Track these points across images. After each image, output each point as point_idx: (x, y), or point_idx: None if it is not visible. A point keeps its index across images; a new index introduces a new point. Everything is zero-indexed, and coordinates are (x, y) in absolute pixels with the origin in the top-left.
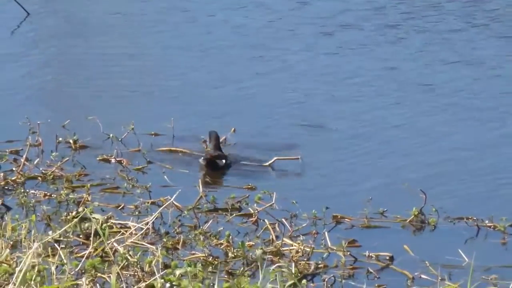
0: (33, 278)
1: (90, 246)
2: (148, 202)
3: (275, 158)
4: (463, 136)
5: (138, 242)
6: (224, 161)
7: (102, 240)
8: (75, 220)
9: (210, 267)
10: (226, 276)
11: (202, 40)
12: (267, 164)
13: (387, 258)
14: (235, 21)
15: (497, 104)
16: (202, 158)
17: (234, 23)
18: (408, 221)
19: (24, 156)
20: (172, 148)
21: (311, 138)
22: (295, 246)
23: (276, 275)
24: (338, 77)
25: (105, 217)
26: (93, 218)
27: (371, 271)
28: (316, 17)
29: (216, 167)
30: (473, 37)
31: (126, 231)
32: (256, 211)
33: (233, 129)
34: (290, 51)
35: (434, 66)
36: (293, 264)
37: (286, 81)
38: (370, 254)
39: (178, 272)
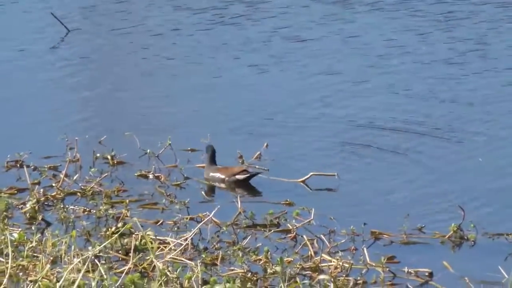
0: None
1: (130, 262)
2: (186, 218)
3: (311, 173)
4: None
5: (177, 258)
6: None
7: (141, 256)
8: (115, 236)
9: (249, 283)
10: None
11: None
12: (303, 179)
13: (426, 274)
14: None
15: None
16: (240, 173)
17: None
18: (447, 237)
19: (64, 172)
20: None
21: (346, 154)
22: (333, 262)
23: None
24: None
25: (153, 233)
26: (145, 234)
27: (411, 287)
28: None
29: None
30: None
31: (165, 247)
32: (295, 227)
33: (266, 144)
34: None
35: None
36: (332, 280)
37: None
38: (409, 270)
39: None
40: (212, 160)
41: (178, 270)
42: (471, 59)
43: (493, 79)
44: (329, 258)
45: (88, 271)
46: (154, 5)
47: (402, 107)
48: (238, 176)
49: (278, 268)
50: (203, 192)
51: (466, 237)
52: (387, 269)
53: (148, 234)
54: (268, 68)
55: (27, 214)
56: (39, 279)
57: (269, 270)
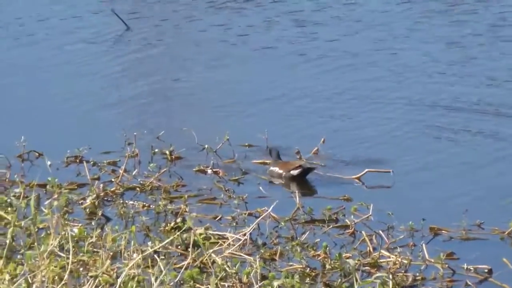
0: None
1: (189, 257)
2: (245, 213)
3: (366, 170)
4: None
5: (235, 253)
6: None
7: (201, 251)
8: (176, 234)
9: (308, 279)
10: None
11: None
12: (358, 176)
13: (486, 271)
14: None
15: None
16: (295, 168)
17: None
18: (506, 233)
19: (123, 167)
20: (267, 161)
21: (401, 152)
22: (392, 258)
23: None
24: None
25: (207, 229)
26: (198, 233)
27: (470, 283)
28: None
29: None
30: None
31: (224, 242)
32: (353, 223)
33: (323, 139)
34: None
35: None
36: (390, 276)
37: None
38: (469, 267)
39: (276, 283)
40: (278, 158)
41: (237, 265)
42: None
43: None
44: (388, 254)
45: (147, 267)
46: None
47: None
48: (292, 171)
49: (351, 262)
50: (261, 188)
51: None
52: (446, 265)
53: (200, 233)
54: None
55: (87, 210)
56: (100, 274)
57: (327, 266)
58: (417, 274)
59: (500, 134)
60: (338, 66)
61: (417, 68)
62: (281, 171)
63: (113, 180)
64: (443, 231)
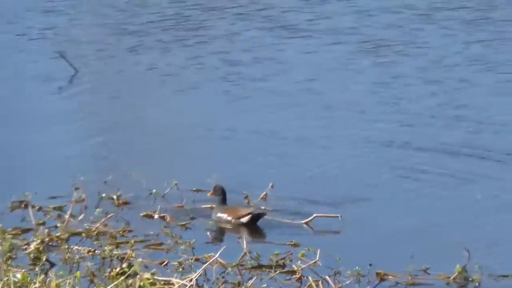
0: None
1: None
2: (191, 259)
3: (314, 215)
4: (506, 193)
5: None
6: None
7: None
8: (121, 279)
9: None
10: None
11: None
12: (307, 221)
13: None
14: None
15: None
16: (244, 215)
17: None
18: (451, 278)
19: (69, 212)
20: (214, 206)
21: (349, 195)
22: None
23: None
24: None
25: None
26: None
27: None
28: None
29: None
30: None
31: None
32: (300, 268)
33: (271, 184)
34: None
35: None
36: None
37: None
38: None
39: None
40: (223, 201)
41: None
42: None
43: None
44: None
45: None
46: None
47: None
48: (242, 219)
49: None
50: (208, 233)
51: (471, 279)
52: None
53: (147, 278)
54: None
55: (31, 255)
56: None
57: None
58: None
59: (447, 173)
60: (265, 105)
61: (347, 107)
62: (229, 218)
63: (58, 225)
64: (389, 276)
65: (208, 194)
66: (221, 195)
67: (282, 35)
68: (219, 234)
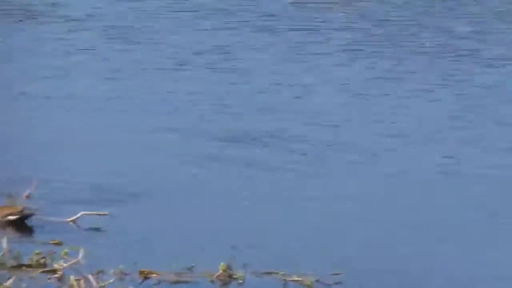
0: None
1: None
2: None
3: (82, 212)
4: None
5: None
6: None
7: None
8: None
9: None
10: None
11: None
12: (73, 219)
13: None
14: None
15: None
16: (10, 214)
17: None
18: (215, 276)
19: None
20: None
21: (120, 191)
22: None
23: None
24: None
25: None
26: None
27: None
28: None
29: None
30: None
31: None
32: (62, 267)
33: (35, 183)
34: None
35: None
36: None
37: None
38: None
39: None
40: None
41: None
42: None
43: None
44: None
45: None
46: None
47: None
48: (9, 217)
49: None
50: None
51: (235, 276)
52: None
53: None
54: None
55: None
56: None
57: None
58: None
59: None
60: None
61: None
62: None
63: None
64: (153, 275)
65: None
66: None
67: None
68: None
